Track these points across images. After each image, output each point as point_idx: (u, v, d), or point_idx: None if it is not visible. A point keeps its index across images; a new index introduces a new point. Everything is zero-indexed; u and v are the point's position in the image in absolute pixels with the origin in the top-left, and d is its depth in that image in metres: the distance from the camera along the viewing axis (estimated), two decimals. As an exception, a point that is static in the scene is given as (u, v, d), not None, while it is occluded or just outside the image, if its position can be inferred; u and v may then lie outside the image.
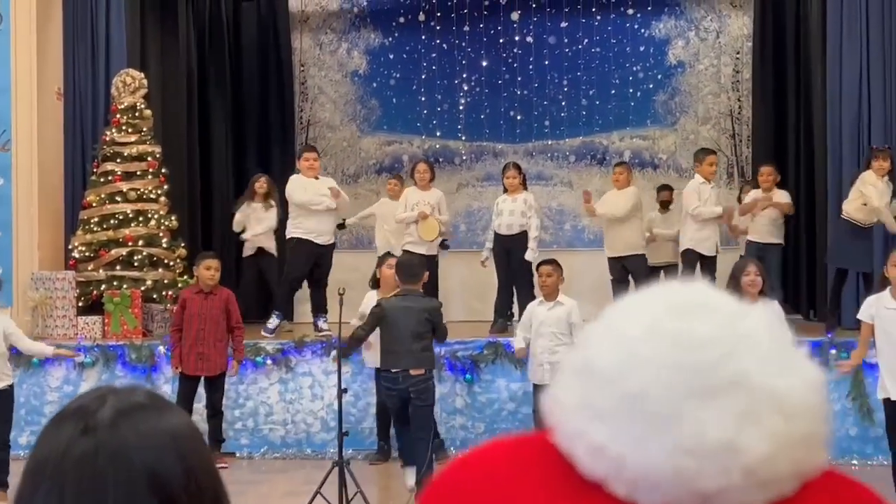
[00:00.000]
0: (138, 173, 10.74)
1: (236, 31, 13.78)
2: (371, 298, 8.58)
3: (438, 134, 13.72)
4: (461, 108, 13.66)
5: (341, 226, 11.50)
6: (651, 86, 13.47)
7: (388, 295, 8.15)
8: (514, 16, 13.50)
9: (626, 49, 13.49)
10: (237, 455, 9.48)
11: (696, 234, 10.34)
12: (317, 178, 10.55)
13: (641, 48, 13.51)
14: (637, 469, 1.07)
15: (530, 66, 13.51)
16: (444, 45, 13.64)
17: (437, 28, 13.62)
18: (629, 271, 10.76)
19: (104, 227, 10.57)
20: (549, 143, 13.54)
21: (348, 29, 13.95)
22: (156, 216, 10.69)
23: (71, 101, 11.11)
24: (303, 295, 11.10)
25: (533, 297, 10.64)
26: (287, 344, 9.76)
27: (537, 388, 8.44)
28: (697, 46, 13.50)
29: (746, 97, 13.29)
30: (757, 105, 13.04)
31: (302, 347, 9.67)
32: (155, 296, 10.40)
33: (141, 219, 10.64)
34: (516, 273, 10.48)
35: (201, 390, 9.07)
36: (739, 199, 11.60)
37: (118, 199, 10.63)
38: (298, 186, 10.41)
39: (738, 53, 13.42)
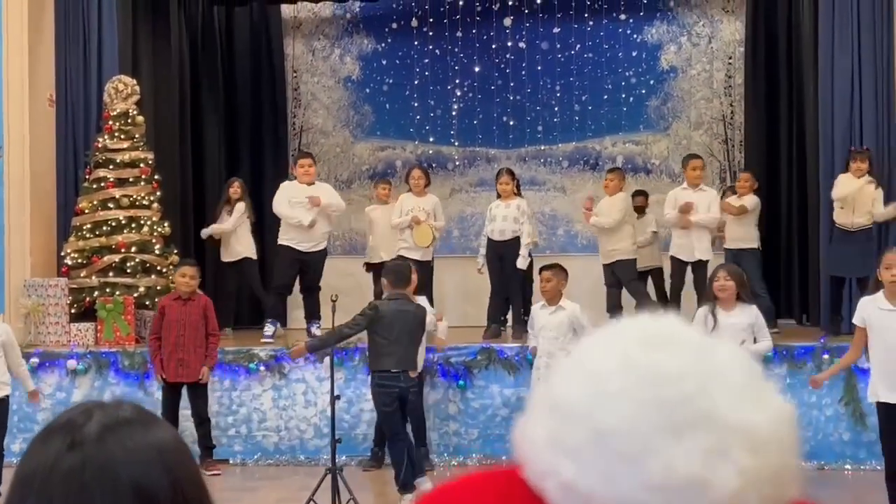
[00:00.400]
0: (131, 180, 10.73)
1: (229, 38, 13.78)
2: None
3: (431, 139, 13.72)
4: (454, 113, 13.67)
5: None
6: (643, 91, 13.49)
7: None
8: (507, 21, 13.51)
9: (618, 54, 13.51)
10: (230, 462, 9.47)
11: (677, 241, 10.60)
12: (312, 183, 10.56)
13: (634, 53, 13.53)
14: None
15: (523, 72, 13.52)
16: (437, 51, 13.65)
17: (430, 34, 13.63)
18: (618, 276, 10.82)
19: (97, 233, 10.56)
20: (542, 148, 13.55)
21: (341, 35, 13.96)
22: (148, 223, 10.68)
23: (63, 108, 11.09)
24: (296, 301, 11.11)
25: (526, 303, 10.70)
26: (280, 350, 9.75)
27: None
28: (690, 52, 13.52)
29: (739, 102, 13.32)
30: (749, 110, 13.06)
31: (295, 354, 9.65)
32: (148, 302, 10.38)
33: (133, 225, 10.62)
34: (509, 279, 10.49)
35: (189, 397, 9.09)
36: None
37: (111, 205, 10.62)
38: (283, 197, 10.50)
39: (730, 58, 13.45)
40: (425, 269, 10.57)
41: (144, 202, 10.73)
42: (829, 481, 8.57)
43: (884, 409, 6.93)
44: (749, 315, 7.81)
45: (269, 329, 10.38)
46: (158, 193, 10.91)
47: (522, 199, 10.76)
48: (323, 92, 13.97)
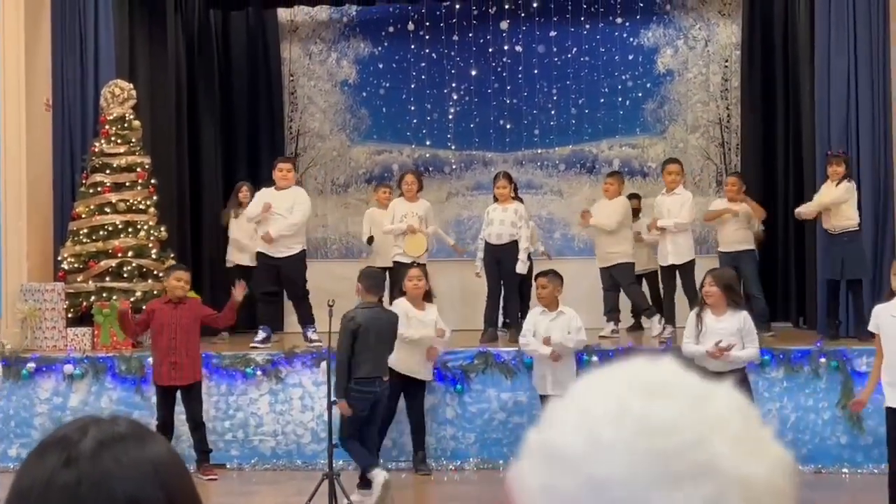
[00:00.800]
0: (127, 184, 10.73)
1: (225, 42, 13.78)
2: (399, 307, 8.73)
3: (428, 143, 13.73)
4: (451, 117, 13.68)
5: (370, 240, 11.44)
6: (640, 94, 13.50)
7: (418, 307, 8.75)
8: (503, 25, 13.52)
9: (614, 58, 13.52)
10: (227, 466, 9.45)
11: (659, 247, 10.69)
12: (289, 188, 10.46)
13: (630, 57, 13.54)
14: None
15: (519, 75, 13.53)
16: (434, 55, 13.66)
17: (427, 37, 13.64)
18: (616, 280, 10.87)
19: (93, 238, 10.55)
20: (539, 151, 13.57)
21: (338, 38, 13.97)
22: (145, 227, 10.67)
23: (60, 112, 11.09)
24: (291, 306, 11.09)
25: (523, 307, 10.72)
26: (277, 355, 9.74)
27: (542, 398, 8.65)
28: (686, 55, 13.54)
29: (735, 105, 13.33)
30: (745, 113, 13.08)
31: (292, 358, 9.66)
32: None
33: (130, 230, 10.62)
34: (506, 282, 10.50)
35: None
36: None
37: (107, 210, 10.61)
38: (254, 204, 10.47)
39: (726, 62, 13.46)
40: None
41: (141, 206, 10.73)
42: (826, 485, 8.57)
43: (892, 414, 6.95)
44: (738, 320, 7.85)
45: (260, 335, 10.38)
46: (155, 198, 10.90)
47: (521, 204, 10.77)
48: (319, 96, 13.98)
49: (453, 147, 13.70)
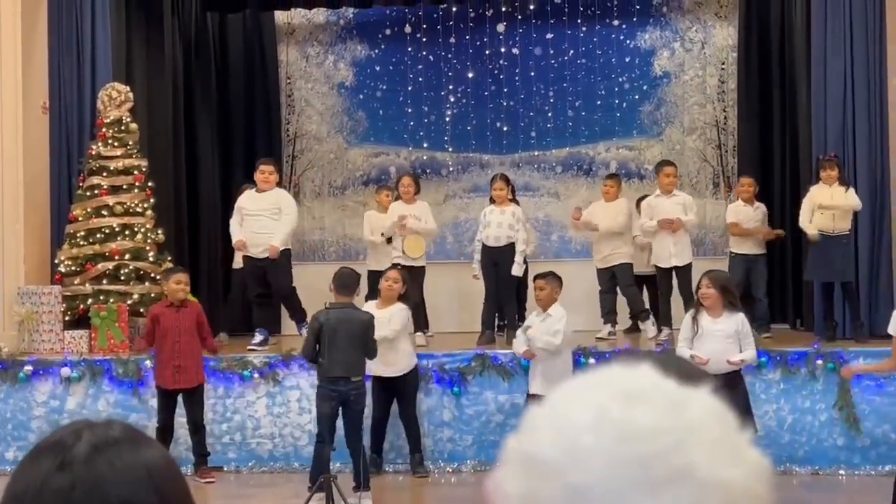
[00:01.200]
0: (124, 187, 10.72)
1: (222, 44, 13.78)
2: (370, 309, 8.71)
3: (425, 145, 13.73)
4: (448, 119, 13.68)
5: (389, 241, 11.38)
6: (637, 96, 13.50)
7: (385, 306, 8.76)
8: (500, 27, 13.51)
9: (611, 60, 13.52)
10: (225, 469, 9.45)
11: (655, 249, 10.69)
12: (271, 189, 10.46)
13: (627, 59, 13.54)
14: None
15: (516, 78, 13.54)
16: (431, 57, 13.66)
17: (424, 40, 13.64)
18: (617, 281, 10.87)
19: (90, 241, 10.54)
20: (536, 153, 13.57)
21: (335, 41, 13.97)
22: (142, 230, 10.67)
23: (56, 115, 11.08)
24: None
25: (521, 309, 10.73)
26: (274, 357, 9.75)
27: (532, 397, 8.57)
28: (683, 57, 13.54)
29: (732, 107, 13.34)
30: (742, 115, 13.08)
31: (289, 361, 9.65)
32: (142, 310, 10.36)
33: (127, 233, 10.61)
34: (504, 285, 10.50)
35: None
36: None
37: (104, 212, 10.61)
38: (238, 207, 10.47)
39: (723, 64, 13.47)
40: (418, 274, 10.57)
41: (138, 209, 10.73)
42: (823, 486, 8.58)
43: None
44: (735, 322, 7.84)
45: (257, 338, 10.38)
46: (152, 200, 10.90)
47: (518, 206, 10.77)
48: (317, 98, 13.97)
49: (450, 149, 13.70)
